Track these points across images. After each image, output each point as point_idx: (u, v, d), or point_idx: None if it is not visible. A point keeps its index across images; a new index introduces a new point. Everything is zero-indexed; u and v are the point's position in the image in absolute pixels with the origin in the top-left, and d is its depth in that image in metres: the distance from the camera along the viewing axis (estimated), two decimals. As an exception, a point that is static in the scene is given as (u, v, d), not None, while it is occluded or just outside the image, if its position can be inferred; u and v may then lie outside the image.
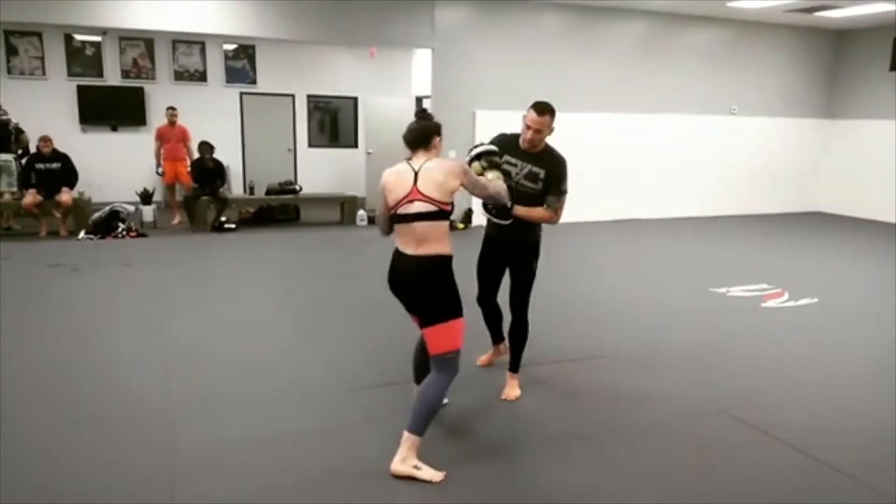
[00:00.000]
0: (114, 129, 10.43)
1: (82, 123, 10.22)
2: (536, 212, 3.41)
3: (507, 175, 3.26)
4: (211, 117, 10.47)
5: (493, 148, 3.21)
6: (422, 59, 10.49)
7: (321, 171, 11.49)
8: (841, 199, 10.82)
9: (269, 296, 5.51)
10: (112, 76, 10.28)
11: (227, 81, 10.89)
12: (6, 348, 4.09)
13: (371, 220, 9.37)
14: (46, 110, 9.84)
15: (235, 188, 10.65)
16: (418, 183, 2.80)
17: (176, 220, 8.93)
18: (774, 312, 5.27)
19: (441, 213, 2.79)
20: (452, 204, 2.84)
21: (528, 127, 3.38)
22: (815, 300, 5.59)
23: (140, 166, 10.03)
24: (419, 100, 10.70)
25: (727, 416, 3.42)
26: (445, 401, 3.29)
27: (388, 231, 3.00)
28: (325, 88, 11.54)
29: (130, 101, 10.34)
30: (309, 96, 11.47)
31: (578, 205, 9.80)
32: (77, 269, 6.18)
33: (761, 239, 8.53)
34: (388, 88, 11.54)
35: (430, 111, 3.17)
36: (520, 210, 3.35)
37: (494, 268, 3.68)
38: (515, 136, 3.50)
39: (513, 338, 3.63)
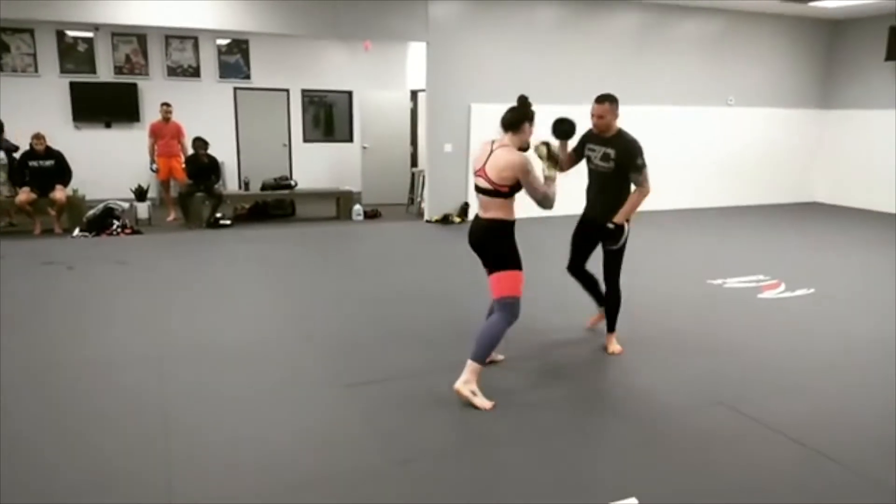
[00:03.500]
0: (107, 125, 10.38)
1: (76, 120, 10.16)
2: (630, 204, 3.90)
3: (566, 166, 3.86)
4: (205, 113, 10.43)
5: (569, 119, 3.85)
6: (416, 52, 10.46)
7: (316, 166, 11.46)
8: (837, 190, 10.83)
9: (266, 292, 5.50)
10: (105, 72, 10.22)
11: (221, 77, 10.83)
12: (1, 346, 4.07)
13: (367, 215, 9.36)
14: (39, 108, 9.79)
15: (230, 184, 10.62)
16: (487, 163, 3.32)
17: (171, 217, 8.90)
18: (771, 303, 5.27)
19: (496, 192, 3.31)
20: (516, 185, 3.29)
21: (593, 115, 3.93)
22: (812, 290, 5.60)
23: (134, 163, 10.00)
24: (414, 94, 10.67)
25: (725, 407, 3.42)
26: (501, 357, 3.92)
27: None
28: (319, 83, 11.49)
29: (124, 97, 10.28)
30: (303, 91, 11.42)
31: (576, 197, 9.79)
32: (72, 267, 6.15)
33: (757, 230, 8.54)
34: (383, 82, 11.50)
35: (523, 98, 3.51)
36: (620, 217, 3.90)
37: (585, 242, 4.20)
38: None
39: (607, 303, 4.16)
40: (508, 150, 3.30)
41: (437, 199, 9.05)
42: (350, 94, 11.68)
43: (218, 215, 8.51)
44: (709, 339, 4.44)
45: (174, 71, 10.55)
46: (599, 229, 3.99)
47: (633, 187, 3.93)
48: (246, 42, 10.82)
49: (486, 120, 8.99)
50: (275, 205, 9.36)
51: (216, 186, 8.71)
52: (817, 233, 8.43)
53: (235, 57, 10.87)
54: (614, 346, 4.16)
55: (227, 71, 10.85)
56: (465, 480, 2.72)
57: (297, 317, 4.86)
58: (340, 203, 9.43)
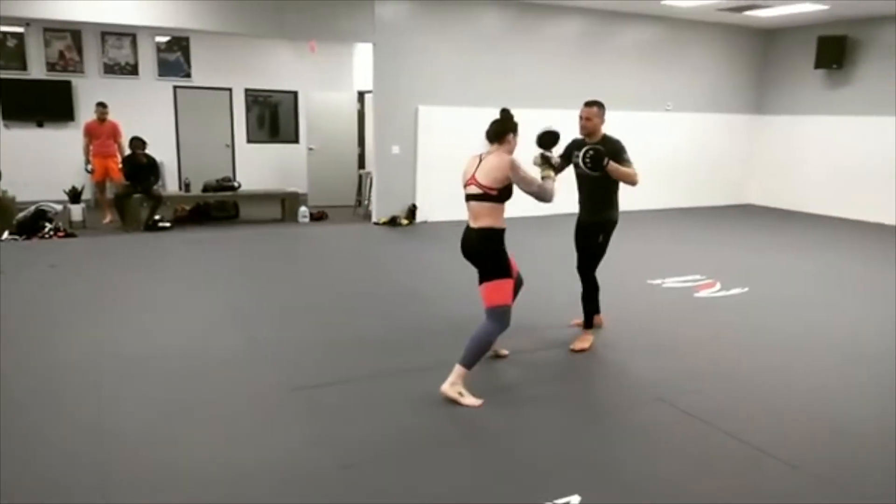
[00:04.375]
0: (39, 125, 9.96)
1: (5, 119, 9.71)
2: (624, 169, 4.03)
3: (557, 170, 3.85)
4: (143, 112, 10.12)
5: (552, 131, 3.84)
6: (363, 53, 10.40)
7: (261, 167, 11.25)
8: (769, 192, 11.27)
9: (207, 297, 5.38)
10: (37, 69, 9.80)
11: (160, 75, 10.53)
12: (-80, 357, 3.86)
13: (313, 217, 9.25)
14: (-36, 105, 9.33)
15: (170, 185, 10.33)
16: (477, 171, 3.48)
17: (107, 220, 8.60)
18: (707, 302, 5.44)
19: (486, 195, 3.45)
20: (506, 189, 3.44)
21: (580, 117, 4.16)
22: (746, 289, 5.80)
23: (68, 163, 9.62)
24: (361, 95, 10.61)
25: (665, 403, 3.51)
26: (506, 352, 4.07)
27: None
28: (263, 82, 11.30)
29: (57, 95, 9.88)
30: (247, 90, 11.21)
31: (521, 199, 9.86)
32: (1, 272, 5.88)
33: (694, 231, 8.81)
34: (330, 83, 11.39)
35: (505, 111, 3.68)
36: (612, 166, 3.98)
37: (578, 243, 4.38)
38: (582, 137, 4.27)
39: (584, 299, 4.35)
40: (497, 154, 3.49)
41: (384, 201, 9.01)
42: (295, 94, 11.52)
43: (156, 217, 8.26)
44: (649, 338, 4.55)
45: (111, 68, 10.21)
46: (584, 228, 4.29)
47: (625, 188, 4.21)
48: (186, 40, 10.55)
49: (434, 122, 9.02)
50: (217, 206, 9.15)
51: (155, 187, 8.46)
52: (751, 234, 8.75)
53: (175, 55, 10.59)
54: (581, 342, 4.27)
55: (166, 69, 10.56)
56: (407, 483, 2.72)
57: (241, 321, 4.76)
58: (286, 205, 9.29)
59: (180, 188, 9.65)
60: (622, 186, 4.21)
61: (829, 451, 3.04)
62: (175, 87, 10.66)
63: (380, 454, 2.94)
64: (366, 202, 9.80)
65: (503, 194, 3.45)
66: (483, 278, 3.53)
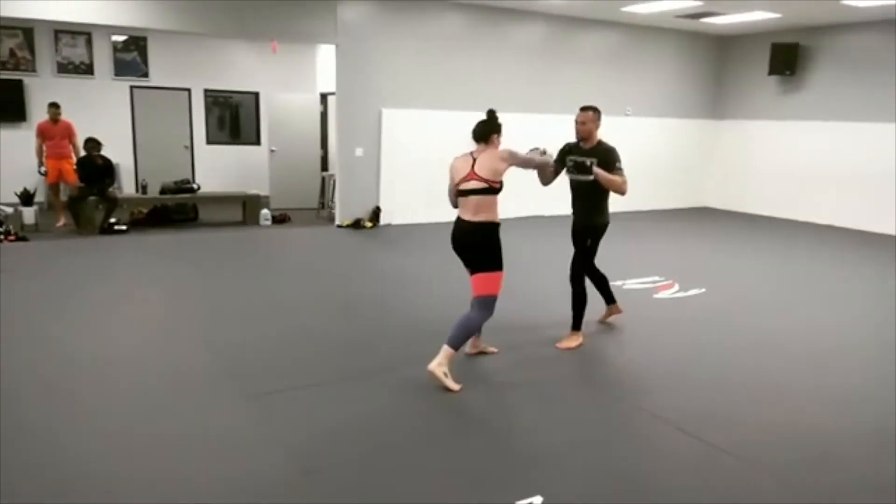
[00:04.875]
0: (-11, 124, 9.65)
1: (-48, 118, 9.39)
2: (610, 176, 4.12)
3: (555, 172, 4.03)
4: (99, 112, 9.88)
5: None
6: (326, 55, 10.33)
7: (221, 169, 11.08)
8: (726, 196, 11.54)
9: (164, 302, 5.27)
10: (-15, 67, 9.51)
11: (116, 74, 10.29)
12: None
13: (275, 220, 9.14)
14: None
15: (127, 187, 10.09)
16: (475, 167, 3.64)
17: (61, 223, 8.36)
18: (666, 303, 5.55)
19: (490, 189, 3.63)
20: (501, 183, 3.65)
21: (576, 121, 4.30)
22: (703, 290, 5.93)
23: (19, 165, 9.33)
24: (324, 96, 10.54)
25: (626, 404, 3.56)
26: (494, 349, 4.18)
27: (455, 204, 3.82)
28: (224, 83, 11.13)
29: (8, 95, 9.56)
30: (206, 91, 11.03)
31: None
32: (-54, 277, 5.68)
33: (654, 234, 8.96)
34: (292, 84, 11.28)
35: (491, 112, 3.88)
36: (600, 173, 4.09)
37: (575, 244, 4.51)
38: (576, 141, 4.38)
39: (572, 300, 4.46)
40: (489, 150, 3.70)
41: (348, 204, 8.96)
42: (257, 95, 11.38)
43: (112, 220, 8.07)
44: (610, 338, 4.61)
45: (65, 67, 9.94)
46: (576, 232, 4.47)
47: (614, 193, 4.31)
48: (144, 39, 10.34)
49: (398, 124, 9.00)
50: (176, 209, 8.98)
51: (110, 190, 8.27)
52: (708, 236, 8.94)
53: (132, 54, 10.37)
54: (567, 342, 4.39)
55: (123, 68, 10.32)
56: (369, 487, 2.70)
57: (199, 326, 4.68)
58: (247, 207, 9.16)
59: (137, 190, 9.43)
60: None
61: (785, 449, 3.12)
62: (132, 87, 10.43)
63: (342, 459, 2.92)
64: (329, 205, 9.73)
65: (501, 187, 3.68)
66: (477, 269, 3.69)
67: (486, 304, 3.68)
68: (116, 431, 3.11)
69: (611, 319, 4.90)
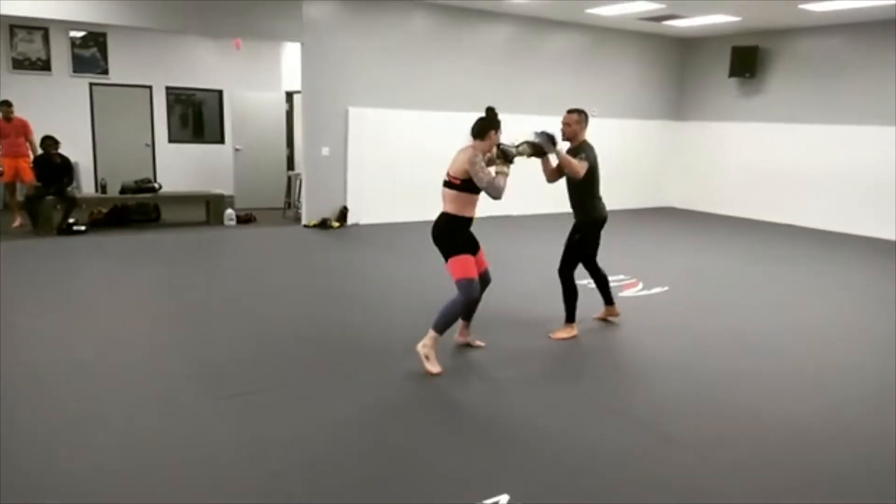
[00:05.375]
0: (-61, 121, 9.32)
1: None
2: (565, 157, 4.34)
3: (508, 162, 4.02)
4: (56, 110, 9.63)
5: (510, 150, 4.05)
6: (292, 53, 10.23)
7: (184, 168, 10.89)
8: (689, 196, 11.75)
9: (125, 304, 5.16)
10: (-65, 62, 9.19)
11: (75, 71, 10.04)
12: None
13: (240, 220, 9.02)
14: None
15: (85, 187, 9.86)
16: (452, 162, 3.85)
17: (17, 223, 8.12)
18: (631, 301, 5.62)
19: (450, 183, 3.84)
20: (469, 182, 3.77)
21: (562, 122, 4.55)
22: (667, 288, 6.03)
23: (-28, 163, 9.04)
24: (290, 95, 10.43)
25: (590, 401, 3.60)
26: (482, 343, 4.32)
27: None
28: (186, 80, 10.94)
29: (-41, 90, 9.27)
30: (168, 88, 10.83)
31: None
32: None
33: (618, 233, 9.04)
34: (257, 82, 11.15)
35: (490, 109, 4.06)
36: (561, 155, 4.31)
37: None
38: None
39: (563, 298, 4.62)
40: (467, 149, 3.82)
41: (314, 204, 8.89)
42: (220, 93, 11.22)
43: (71, 220, 7.87)
44: (578, 337, 4.65)
45: (21, 64, 9.66)
46: (571, 230, 4.66)
47: (600, 189, 4.70)
48: (103, 35, 10.11)
49: (365, 123, 8.95)
50: (136, 209, 8.78)
51: (69, 189, 8.06)
52: (671, 235, 9.10)
53: (92, 50, 10.13)
54: (560, 332, 4.56)
55: (81, 65, 10.08)
56: (336, 488, 2.69)
57: (163, 329, 4.60)
58: (211, 207, 9.01)
59: (96, 190, 9.24)
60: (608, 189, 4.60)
61: (742, 445, 3.19)
62: (91, 84, 10.19)
63: (308, 460, 2.90)
64: (296, 204, 9.63)
65: (465, 185, 3.78)
66: (445, 258, 3.90)
67: (462, 287, 3.84)
68: (69, 433, 3.04)
69: (609, 319, 4.99)
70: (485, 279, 4.12)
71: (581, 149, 4.46)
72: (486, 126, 3.88)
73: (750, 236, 9.08)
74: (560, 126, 4.57)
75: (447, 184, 3.86)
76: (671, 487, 2.78)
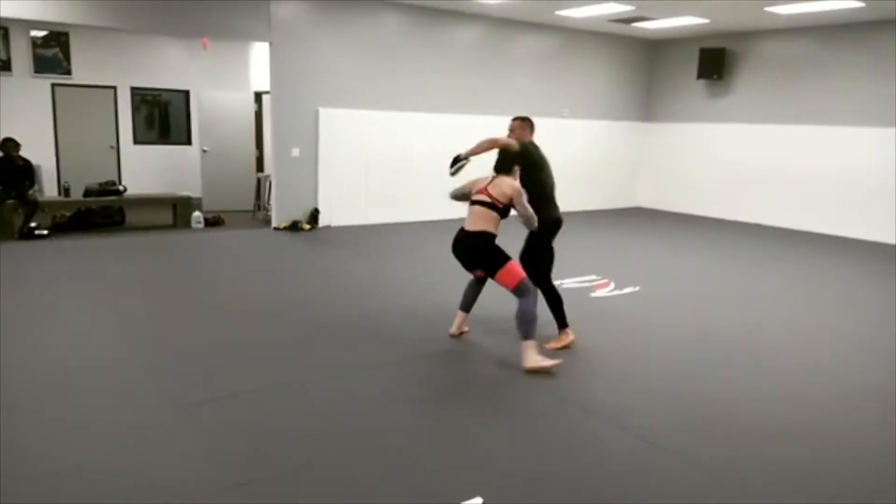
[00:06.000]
0: None
1: None
2: (483, 142, 4.40)
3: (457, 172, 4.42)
4: (17, 111, 9.35)
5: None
6: (260, 52, 10.10)
7: (150, 170, 10.65)
8: (657, 196, 11.88)
9: (89, 310, 5.03)
10: None
11: (37, 71, 9.77)
12: None
13: (208, 223, 8.88)
14: None
15: (48, 190, 9.60)
16: (489, 185, 4.22)
17: (-25, 227, 7.89)
18: (603, 301, 5.65)
19: (493, 205, 4.15)
20: (507, 207, 4.16)
21: (508, 129, 4.64)
22: (638, 288, 6.06)
23: (-72, 165, 8.75)
24: (258, 95, 10.30)
25: (564, 400, 3.59)
26: (466, 328, 4.60)
27: (455, 197, 4.49)
28: (152, 81, 10.72)
29: (-87, 90, 8.98)
30: (133, 89, 10.60)
31: (417, 205, 9.90)
32: None
33: (589, 233, 9.13)
34: (224, 83, 10.97)
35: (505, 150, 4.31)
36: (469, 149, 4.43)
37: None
38: None
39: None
40: (509, 179, 4.23)
41: (285, 206, 8.78)
42: (187, 93, 11.02)
43: (32, 225, 7.66)
44: (546, 336, 4.64)
45: (-22, 63, 9.38)
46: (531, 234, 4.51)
47: (550, 190, 4.56)
48: (66, 34, 9.85)
49: (336, 124, 8.87)
50: (101, 212, 8.59)
51: (30, 192, 7.85)
52: (641, 235, 9.17)
53: (54, 50, 9.86)
54: (556, 342, 4.45)
55: (43, 65, 9.81)
56: (307, 497, 2.63)
57: (126, 334, 4.48)
58: (178, 210, 8.85)
59: (59, 193, 9.00)
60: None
61: (717, 443, 3.21)
62: (53, 85, 9.92)
63: (278, 468, 2.84)
64: (265, 206, 9.51)
65: (503, 210, 4.16)
66: (491, 271, 4.09)
67: (524, 290, 4.04)
68: (25, 441, 2.93)
69: (566, 346, 4.60)
70: (483, 280, 4.45)
71: (520, 155, 4.38)
72: (512, 164, 4.27)
73: (718, 236, 9.20)
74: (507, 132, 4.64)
75: (488, 204, 4.14)
76: (647, 486, 2.78)
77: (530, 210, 4.16)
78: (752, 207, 10.39)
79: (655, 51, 11.70)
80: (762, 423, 3.42)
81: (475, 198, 4.24)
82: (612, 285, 6.15)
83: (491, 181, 4.24)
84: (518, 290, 4.05)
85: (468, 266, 4.29)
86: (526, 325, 4.01)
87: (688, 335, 4.82)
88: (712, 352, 4.49)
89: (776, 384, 3.97)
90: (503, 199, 4.15)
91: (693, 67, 10.84)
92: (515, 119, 4.70)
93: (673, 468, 2.95)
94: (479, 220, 4.17)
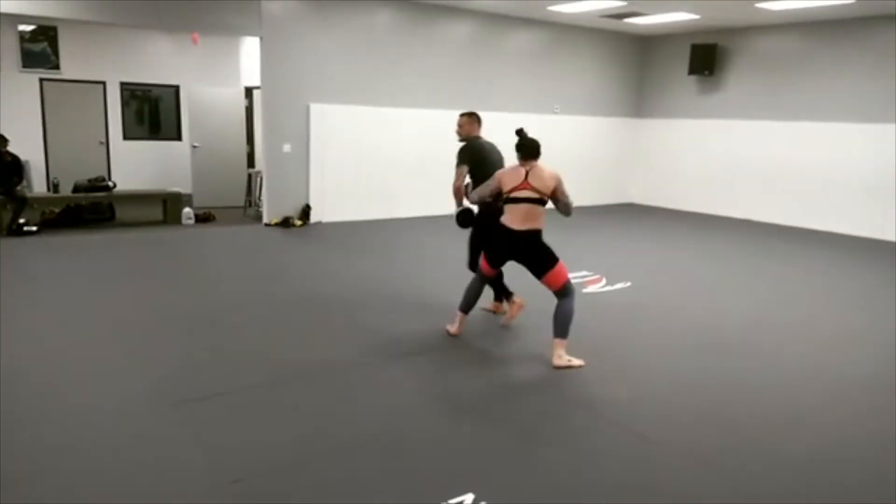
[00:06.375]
0: None
1: None
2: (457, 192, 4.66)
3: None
4: (5, 106, 9.31)
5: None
6: (251, 47, 10.03)
7: (139, 166, 10.61)
8: (649, 192, 11.91)
9: (77, 307, 4.99)
10: None
11: (24, 66, 9.69)
12: None
13: (198, 219, 8.83)
14: None
15: (37, 186, 9.54)
16: (529, 178, 3.99)
17: (-37, 223, 7.82)
18: (594, 297, 5.65)
19: (541, 200, 4.02)
20: (549, 197, 4.05)
21: (457, 125, 4.80)
22: (629, 284, 6.08)
23: (-86, 161, 8.66)
24: (249, 90, 10.24)
25: (556, 395, 3.60)
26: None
27: (475, 201, 4.34)
28: (141, 76, 10.66)
29: None
30: (123, 84, 10.53)
31: (409, 200, 9.88)
32: None
33: (581, 229, 9.13)
34: (215, 78, 10.92)
35: (522, 132, 4.20)
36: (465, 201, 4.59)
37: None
38: None
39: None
40: (543, 167, 4.05)
41: (276, 202, 8.74)
42: (177, 88, 10.96)
43: (21, 221, 7.59)
44: (541, 334, 4.65)
45: (-35, 57, 9.28)
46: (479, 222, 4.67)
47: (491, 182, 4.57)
48: (54, 29, 9.77)
49: (327, 120, 8.83)
50: (90, 209, 8.53)
51: (19, 188, 7.77)
52: (633, 231, 9.19)
53: (42, 45, 9.78)
54: (510, 314, 4.80)
55: (31, 60, 9.72)
56: (300, 494, 2.62)
57: (115, 331, 4.45)
58: (168, 206, 8.80)
59: (48, 189, 8.93)
60: None
61: (710, 438, 3.22)
62: (42, 80, 9.85)
63: (271, 466, 2.83)
64: (256, 203, 9.47)
65: (546, 201, 4.07)
66: (541, 271, 4.05)
67: (568, 291, 4.07)
68: (29, 450, 2.91)
69: (493, 310, 5.05)
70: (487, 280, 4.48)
71: (459, 148, 4.71)
72: (540, 148, 4.08)
73: (710, 231, 9.23)
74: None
75: (537, 200, 4.00)
76: (645, 487, 2.79)
77: (571, 198, 4.14)
78: (743, 203, 10.44)
79: (647, 46, 11.71)
80: (757, 415, 3.43)
81: (519, 195, 4.00)
82: (603, 281, 6.16)
83: (528, 173, 4.00)
84: (564, 291, 4.05)
85: (502, 262, 4.27)
86: (565, 324, 4.03)
87: (680, 330, 4.84)
88: (705, 346, 4.51)
89: (770, 376, 3.99)
90: (547, 192, 4.02)
91: (684, 63, 10.86)
92: (463, 115, 4.84)
93: (671, 461, 2.96)
94: (529, 219, 4.01)
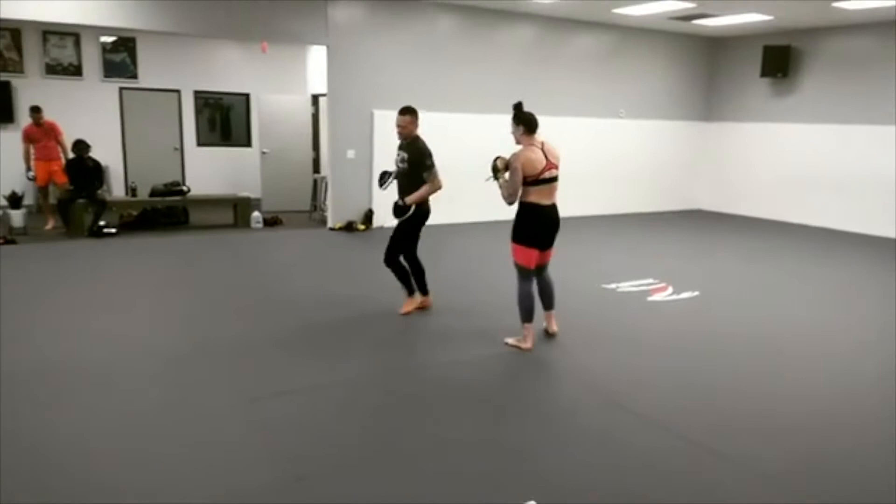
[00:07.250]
0: (-24, 126, 9.54)
1: (-62, 119, 9.27)
2: (420, 191, 4.85)
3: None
4: (87, 114, 9.80)
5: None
6: (317, 55, 10.27)
7: (212, 172, 11.00)
8: (718, 198, 11.54)
9: (156, 305, 5.20)
10: (-28, 68, 9.39)
11: (106, 76, 10.20)
12: None
13: (266, 222, 9.07)
14: None
15: (116, 190, 10.02)
16: (549, 157, 4.14)
17: (49, 225, 8.27)
18: (660, 305, 5.52)
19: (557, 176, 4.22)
20: None
21: (396, 125, 4.98)
22: (697, 293, 5.90)
23: (7, 167, 9.23)
24: (315, 98, 10.48)
25: (619, 407, 3.53)
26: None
27: (514, 201, 4.23)
28: (214, 84, 11.05)
29: (-6, 95, 9.47)
30: (196, 92, 10.95)
31: (471, 204, 9.87)
32: (-69, 281, 5.59)
33: (646, 236, 8.95)
34: (283, 85, 11.22)
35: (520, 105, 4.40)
36: (410, 199, 4.87)
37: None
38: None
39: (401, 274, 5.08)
40: (544, 142, 4.20)
41: (340, 206, 8.91)
42: (248, 96, 11.32)
43: (101, 223, 7.99)
44: (605, 342, 4.58)
45: (53, 69, 9.84)
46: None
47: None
48: (133, 40, 10.26)
49: (390, 126, 8.91)
50: (165, 212, 8.89)
51: (99, 192, 8.18)
52: (701, 239, 8.94)
53: (122, 55, 10.28)
54: (405, 307, 5.01)
55: (112, 70, 10.24)
56: (361, 493, 2.66)
57: (191, 329, 4.62)
58: (238, 210, 9.08)
59: (126, 193, 9.37)
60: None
61: (779, 451, 3.10)
62: (121, 89, 10.35)
63: (335, 464, 2.88)
64: (321, 207, 9.67)
65: None
66: (553, 242, 4.33)
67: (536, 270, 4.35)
68: (102, 434, 3.05)
69: (420, 307, 5.12)
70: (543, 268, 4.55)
71: (414, 150, 4.89)
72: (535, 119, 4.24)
73: (781, 240, 8.88)
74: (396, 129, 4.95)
75: (557, 177, 4.20)
76: (705, 496, 2.70)
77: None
78: (817, 211, 9.99)
79: (716, 48, 11.39)
80: (820, 428, 3.28)
81: (550, 175, 4.16)
82: (670, 289, 6.01)
83: (544, 149, 4.16)
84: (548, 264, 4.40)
85: (551, 243, 4.35)
86: (553, 295, 4.51)
87: (747, 342, 4.67)
88: (771, 359, 4.34)
89: (837, 389, 3.80)
90: (559, 162, 4.21)
91: (756, 65, 10.50)
92: (404, 113, 4.95)
93: (732, 476, 2.86)
94: (554, 193, 4.23)
